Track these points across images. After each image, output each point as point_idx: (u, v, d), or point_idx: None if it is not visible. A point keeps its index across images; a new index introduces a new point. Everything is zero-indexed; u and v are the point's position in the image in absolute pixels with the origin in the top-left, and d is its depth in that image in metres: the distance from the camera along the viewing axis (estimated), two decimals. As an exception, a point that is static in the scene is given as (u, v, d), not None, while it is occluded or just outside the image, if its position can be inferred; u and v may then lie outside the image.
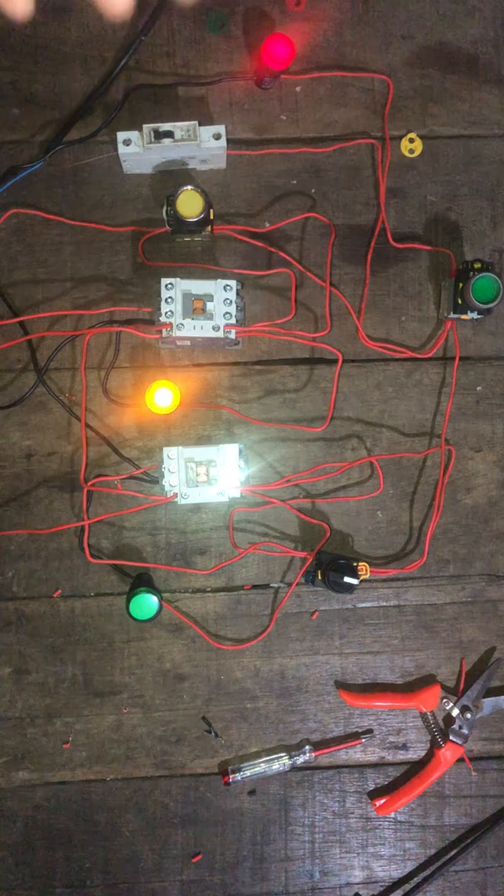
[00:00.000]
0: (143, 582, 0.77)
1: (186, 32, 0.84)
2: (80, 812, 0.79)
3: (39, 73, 0.83)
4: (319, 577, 0.78)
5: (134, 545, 0.80)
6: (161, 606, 0.75)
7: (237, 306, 0.76)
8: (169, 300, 0.75)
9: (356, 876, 0.80)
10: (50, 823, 0.79)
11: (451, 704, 0.80)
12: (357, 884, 0.80)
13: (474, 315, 0.80)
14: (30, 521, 0.80)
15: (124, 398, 0.81)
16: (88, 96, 0.82)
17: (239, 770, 0.78)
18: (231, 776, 0.78)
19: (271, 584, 0.81)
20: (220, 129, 0.77)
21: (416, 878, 0.79)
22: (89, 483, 0.79)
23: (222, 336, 0.75)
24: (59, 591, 0.80)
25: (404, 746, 0.81)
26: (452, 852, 0.80)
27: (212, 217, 0.78)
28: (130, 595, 0.75)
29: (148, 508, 0.80)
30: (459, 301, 0.79)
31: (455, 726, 0.79)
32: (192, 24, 0.83)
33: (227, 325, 0.75)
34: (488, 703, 0.80)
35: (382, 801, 0.79)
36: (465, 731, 0.79)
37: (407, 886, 0.79)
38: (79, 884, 0.78)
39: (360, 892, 0.80)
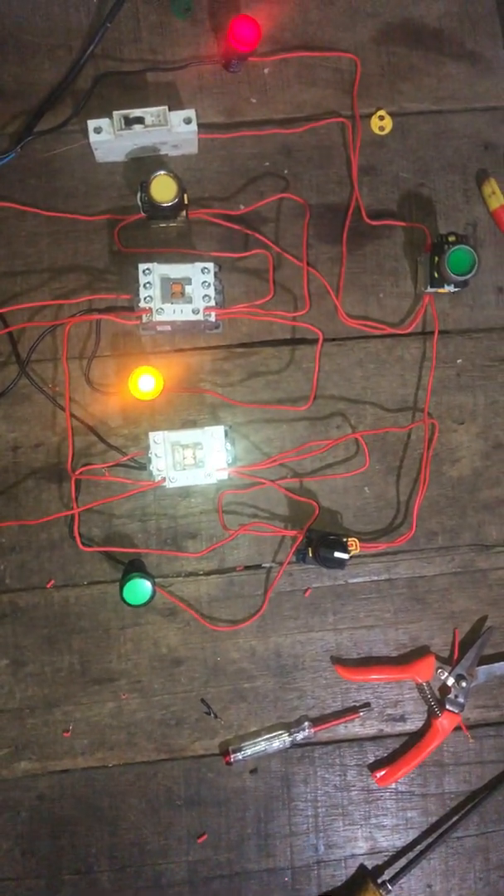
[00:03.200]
0: (135, 568, 0.78)
1: (152, 18, 0.84)
2: (84, 799, 0.79)
3: (5, 64, 0.82)
4: (310, 555, 0.79)
5: (125, 532, 0.81)
6: (154, 591, 0.75)
7: (216, 289, 0.76)
8: (147, 285, 0.75)
9: (360, 847, 0.81)
10: (54, 812, 0.79)
11: (446, 674, 0.81)
12: (361, 855, 0.81)
13: (451, 288, 0.80)
14: (19, 512, 0.80)
15: (108, 387, 0.81)
16: (57, 86, 0.82)
17: (240, 749, 0.79)
18: (232, 756, 0.79)
19: (263, 564, 0.82)
20: (191, 113, 0.78)
21: (419, 846, 0.80)
22: (77, 472, 0.79)
23: (202, 319, 0.76)
24: (53, 582, 0.80)
25: (402, 718, 0.82)
26: (454, 819, 0.81)
27: (186, 202, 0.78)
28: (123, 581, 0.75)
29: (137, 495, 0.80)
30: (436, 275, 0.80)
31: (451, 695, 0.80)
32: (158, 10, 0.83)
33: (206, 308, 0.75)
34: (482, 671, 0.81)
35: (383, 773, 0.80)
36: (460, 699, 0.80)
37: (411, 854, 0.80)
38: (86, 870, 0.79)
39: (365, 863, 0.81)
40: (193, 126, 0.78)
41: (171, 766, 0.80)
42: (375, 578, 0.82)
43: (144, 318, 0.76)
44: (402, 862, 0.80)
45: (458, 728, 0.81)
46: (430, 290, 0.81)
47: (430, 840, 0.80)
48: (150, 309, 0.75)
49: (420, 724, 0.82)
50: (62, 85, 0.82)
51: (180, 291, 0.75)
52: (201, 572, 0.81)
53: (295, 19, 0.84)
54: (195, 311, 0.75)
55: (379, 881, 0.79)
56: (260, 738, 0.80)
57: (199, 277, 0.75)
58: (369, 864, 0.81)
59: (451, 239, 0.79)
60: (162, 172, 0.76)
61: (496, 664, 0.81)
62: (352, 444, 0.83)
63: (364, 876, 0.80)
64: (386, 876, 0.80)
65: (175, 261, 0.76)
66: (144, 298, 0.75)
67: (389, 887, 0.78)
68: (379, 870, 0.80)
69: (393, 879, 0.79)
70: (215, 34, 0.84)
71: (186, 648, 0.80)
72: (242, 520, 0.81)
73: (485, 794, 0.81)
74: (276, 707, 0.81)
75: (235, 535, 0.81)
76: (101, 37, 0.81)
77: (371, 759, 0.81)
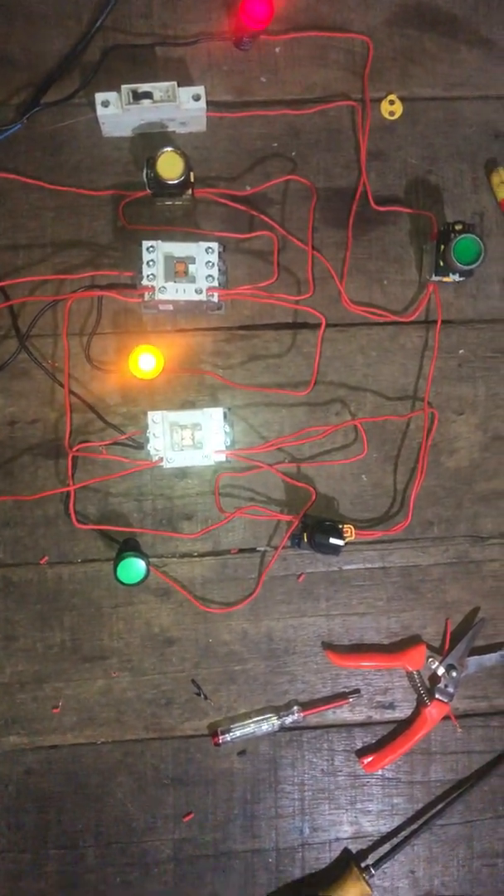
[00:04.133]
0: (129, 547, 0.78)
1: (164, -8, 0.82)
2: (72, 775, 0.79)
3: (14, 33, 0.81)
4: (305, 540, 0.78)
5: (120, 511, 0.81)
6: (148, 570, 0.75)
7: (219, 269, 0.75)
8: (150, 263, 0.74)
9: (345, 831, 0.81)
10: (41, 787, 0.79)
11: (437, 664, 0.81)
12: (346, 839, 0.81)
13: (456, 277, 0.80)
14: (15, 488, 0.80)
15: (107, 364, 0.81)
16: (65, 57, 0.81)
17: (228, 731, 0.79)
18: (221, 737, 0.79)
19: (258, 548, 0.82)
20: (200, 89, 0.77)
21: (403, 832, 0.81)
22: (74, 448, 0.79)
23: (205, 299, 0.75)
24: (46, 558, 0.80)
25: (391, 705, 0.82)
26: (439, 806, 0.81)
27: (192, 180, 0.77)
28: (118, 560, 0.75)
29: (134, 474, 0.80)
30: (441, 263, 0.79)
31: (441, 685, 0.80)
32: (170, -16, 0.82)
33: (209, 289, 0.75)
34: (473, 662, 0.81)
35: (370, 759, 0.80)
36: (450, 689, 0.80)
37: (395, 840, 0.81)
38: (71, 845, 0.79)
39: (350, 847, 0.81)
40: (202, 103, 0.77)
41: (160, 746, 0.80)
42: (370, 566, 0.82)
43: (146, 297, 0.75)
44: (386, 847, 0.81)
45: (446, 717, 0.81)
46: (434, 278, 0.81)
47: (414, 826, 0.81)
48: (153, 287, 0.74)
49: (409, 712, 0.82)
50: (70, 56, 0.81)
51: (184, 270, 0.75)
52: (196, 554, 0.81)
53: (308, -2, 0.83)
54: (198, 291, 0.75)
55: (362, 865, 0.79)
56: (249, 721, 0.80)
57: (203, 257, 0.75)
58: (354, 848, 0.81)
59: (458, 227, 0.79)
60: (169, 149, 0.75)
61: (486, 655, 0.82)
62: (350, 430, 0.82)
63: (348, 860, 0.80)
64: (370, 860, 0.80)
65: (179, 239, 0.76)
66: (147, 276, 0.74)
67: (373, 871, 0.79)
68: (363, 854, 0.81)
69: (376, 864, 0.79)
70: (227, 10, 0.82)
71: (178, 629, 0.80)
72: (239, 503, 0.81)
73: (471, 784, 0.81)
74: (266, 690, 0.81)
75: (231, 518, 0.81)
76: (112, 8, 0.80)
77: (359, 744, 0.82)
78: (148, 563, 0.75)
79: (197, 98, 0.77)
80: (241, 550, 0.81)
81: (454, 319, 0.84)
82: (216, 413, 0.76)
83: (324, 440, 0.82)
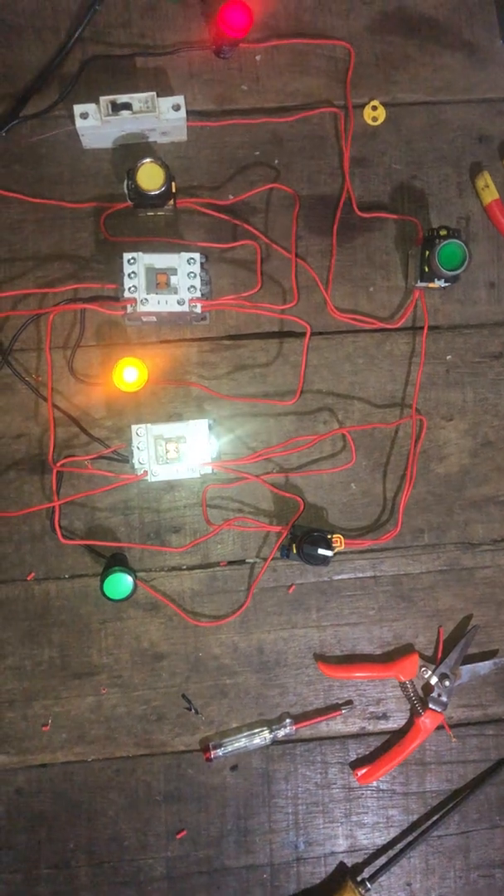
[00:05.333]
0: (117, 562, 0.77)
1: (142, 1, 0.82)
2: (63, 794, 0.79)
3: (-8, 46, 0.81)
4: (294, 551, 0.78)
5: (107, 526, 0.80)
6: (136, 586, 0.74)
7: (202, 280, 0.75)
8: (132, 275, 0.74)
9: (340, 845, 0.80)
10: (32, 806, 0.78)
11: (430, 673, 0.80)
12: (341, 852, 0.80)
13: (442, 283, 0.79)
14: (0, 504, 0.79)
15: (92, 377, 0.80)
16: (43, 69, 0.80)
17: (220, 746, 0.78)
18: (213, 752, 0.78)
19: (247, 560, 0.81)
20: (179, 99, 0.76)
21: (399, 844, 0.80)
22: (59, 464, 0.78)
23: (187, 310, 0.74)
24: (33, 574, 0.79)
25: (384, 716, 0.81)
26: (435, 818, 0.80)
27: (174, 190, 0.76)
28: (104, 575, 0.74)
29: (120, 488, 0.79)
30: (427, 269, 0.79)
31: (434, 694, 0.80)
32: (148, -7, 0.82)
33: (191, 299, 0.74)
34: (466, 671, 0.81)
35: (364, 771, 0.80)
36: (443, 698, 0.80)
37: (391, 853, 0.80)
38: (63, 865, 0.78)
39: (345, 861, 0.80)
40: (182, 113, 0.76)
41: (151, 762, 0.79)
42: (360, 575, 0.81)
43: (129, 309, 0.74)
44: (382, 860, 0.80)
45: (440, 727, 0.80)
46: (420, 284, 0.80)
47: (410, 838, 0.80)
48: (135, 299, 0.74)
49: (402, 722, 0.81)
50: (49, 68, 0.80)
51: (165, 282, 0.74)
52: (184, 567, 0.80)
53: (288, 5, 0.83)
54: (180, 303, 0.74)
55: (358, 879, 0.78)
56: (241, 735, 0.79)
57: (185, 268, 0.74)
58: (349, 861, 0.80)
59: (443, 233, 0.78)
60: (149, 160, 0.74)
61: (480, 663, 0.81)
62: (338, 439, 0.82)
63: (343, 874, 0.80)
64: (366, 874, 0.79)
65: (161, 250, 0.75)
66: (129, 288, 0.74)
67: (369, 885, 0.78)
68: (358, 868, 0.80)
69: (372, 878, 0.79)
70: (206, 19, 0.82)
71: (168, 643, 0.80)
72: (227, 514, 0.80)
73: (466, 794, 0.81)
74: (257, 704, 0.80)
75: (219, 530, 0.80)
76: (90, 19, 0.80)
77: (353, 756, 0.81)
78: (135, 578, 0.75)
79: (177, 108, 0.76)
80: (230, 563, 0.81)
81: (441, 325, 0.83)
82: (201, 425, 0.75)
83: (311, 449, 0.81)
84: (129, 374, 0.75)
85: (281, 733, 0.79)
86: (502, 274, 0.83)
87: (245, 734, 0.79)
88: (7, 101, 0.80)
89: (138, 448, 0.75)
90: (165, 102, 0.76)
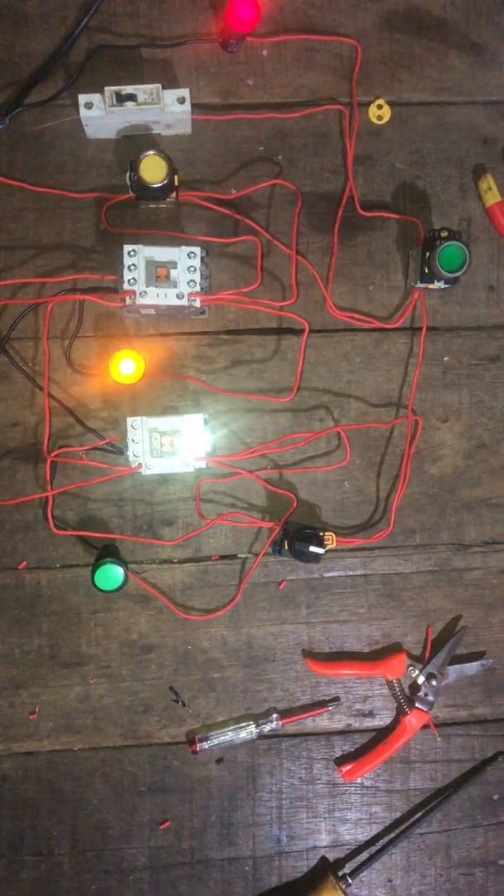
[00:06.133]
0: (108, 553, 0.77)
1: (150, -8, 0.81)
2: (48, 782, 0.79)
3: (-2, 32, 0.80)
4: (286, 547, 0.78)
5: (100, 517, 0.80)
6: (127, 577, 0.75)
7: (202, 274, 0.75)
8: (132, 267, 0.74)
9: (322, 840, 0.81)
10: (17, 793, 0.79)
11: (417, 672, 0.80)
12: (323, 847, 0.81)
13: (441, 284, 0.79)
14: (-7, 492, 0.79)
15: (88, 368, 0.80)
16: (49, 57, 0.80)
17: (206, 738, 0.79)
18: (198, 745, 0.78)
19: (238, 555, 0.81)
20: (185, 92, 0.76)
21: (381, 841, 0.81)
22: (53, 454, 0.78)
23: (186, 304, 0.74)
24: (25, 563, 0.79)
25: (370, 713, 0.82)
26: (418, 815, 0.81)
27: (176, 183, 0.76)
28: (96, 566, 0.74)
29: (114, 480, 0.79)
30: (427, 270, 0.79)
31: (421, 693, 0.80)
32: (156, -16, 0.81)
33: (190, 293, 0.74)
34: (453, 671, 0.81)
35: (349, 767, 0.80)
36: (430, 698, 0.80)
37: (373, 849, 0.81)
38: (47, 852, 0.79)
39: (327, 856, 0.81)
40: (187, 106, 0.76)
41: (137, 753, 0.80)
42: (351, 573, 0.82)
43: (128, 301, 0.74)
44: (364, 856, 0.80)
45: (426, 726, 0.81)
46: (420, 285, 0.80)
47: (392, 835, 0.81)
48: (134, 291, 0.74)
49: (388, 720, 0.82)
50: (54, 56, 0.80)
51: (165, 275, 0.74)
52: (176, 560, 0.81)
53: (297, 1, 0.82)
54: (179, 296, 0.74)
55: (340, 874, 0.79)
56: (227, 729, 0.79)
57: (185, 262, 0.74)
58: (331, 856, 0.81)
59: (444, 234, 0.78)
60: (152, 152, 0.74)
61: (467, 664, 0.81)
62: (333, 437, 0.82)
63: (325, 868, 0.80)
64: (347, 869, 0.80)
65: (162, 243, 0.75)
66: (128, 281, 0.74)
67: (350, 880, 0.79)
68: (340, 863, 0.81)
69: (354, 873, 0.79)
70: (214, 12, 0.82)
71: (157, 636, 0.80)
72: (220, 509, 0.81)
73: (449, 792, 0.81)
74: (244, 698, 0.81)
75: (212, 525, 0.80)
76: (97, 8, 0.79)
77: (338, 753, 0.81)
78: (126, 570, 0.75)
79: (182, 101, 0.76)
80: (222, 557, 0.81)
81: (440, 326, 0.83)
82: (196, 420, 0.75)
83: (306, 447, 0.82)
84: (126, 366, 0.75)
85: (267, 728, 0.79)
86: (502, 277, 0.84)
87: (231, 728, 0.79)
88: (11, 88, 0.80)
89: (133, 441, 0.75)
90: (170, 95, 0.75)
